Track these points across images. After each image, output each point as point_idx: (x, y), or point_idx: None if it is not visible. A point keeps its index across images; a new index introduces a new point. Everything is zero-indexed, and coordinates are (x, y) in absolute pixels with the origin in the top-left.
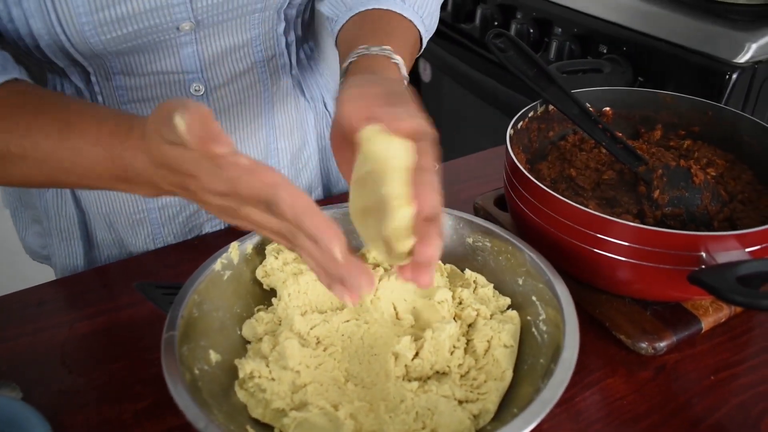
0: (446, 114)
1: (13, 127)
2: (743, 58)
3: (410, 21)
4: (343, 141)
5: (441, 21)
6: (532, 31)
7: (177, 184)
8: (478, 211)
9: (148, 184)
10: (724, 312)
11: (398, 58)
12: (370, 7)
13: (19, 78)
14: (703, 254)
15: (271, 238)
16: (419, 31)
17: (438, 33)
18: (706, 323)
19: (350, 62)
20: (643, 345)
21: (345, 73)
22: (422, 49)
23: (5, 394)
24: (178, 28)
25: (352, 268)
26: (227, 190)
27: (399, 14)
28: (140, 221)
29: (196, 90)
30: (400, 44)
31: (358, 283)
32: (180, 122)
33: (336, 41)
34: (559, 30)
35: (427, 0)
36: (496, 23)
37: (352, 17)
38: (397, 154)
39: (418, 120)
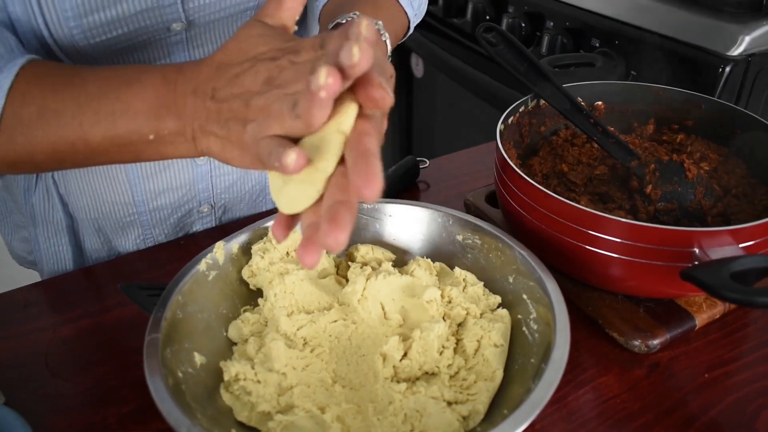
0: (439, 109)
1: (54, 84)
2: (736, 51)
3: (399, 3)
4: None
5: (432, 16)
6: (524, 25)
7: (237, 72)
8: (469, 208)
9: (194, 100)
10: (719, 308)
11: (386, 35)
12: None
13: (38, 58)
14: (697, 250)
15: (275, 110)
16: (407, 14)
17: (429, 28)
18: (700, 320)
19: (338, 23)
20: (636, 343)
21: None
22: (409, 33)
23: None
24: (168, 29)
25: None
26: (295, 47)
27: None
28: (130, 223)
29: None
30: (387, 21)
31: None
32: None
33: (319, 17)
34: (551, 24)
35: None
36: (487, 17)
37: None
38: (347, 119)
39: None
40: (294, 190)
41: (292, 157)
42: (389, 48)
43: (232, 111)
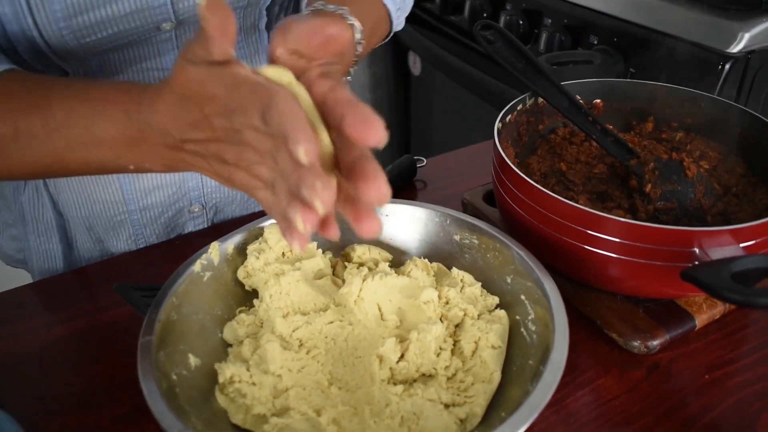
0: (437, 107)
1: (21, 105)
2: (736, 48)
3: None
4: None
5: (429, 13)
6: (521, 22)
7: (192, 122)
8: (466, 207)
9: (161, 138)
10: (719, 309)
11: (355, 21)
12: None
13: (14, 68)
14: (697, 250)
15: (258, 177)
16: (387, 8)
17: (427, 26)
18: (700, 320)
19: (314, 9)
20: (636, 344)
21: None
22: (393, 29)
23: None
24: (158, 28)
25: (312, 174)
26: (238, 104)
27: None
28: (121, 223)
29: None
30: (359, 11)
31: (315, 193)
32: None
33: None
34: (549, 21)
35: None
36: (484, 15)
37: None
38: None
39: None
40: None
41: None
42: (358, 37)
43: (203, 149)
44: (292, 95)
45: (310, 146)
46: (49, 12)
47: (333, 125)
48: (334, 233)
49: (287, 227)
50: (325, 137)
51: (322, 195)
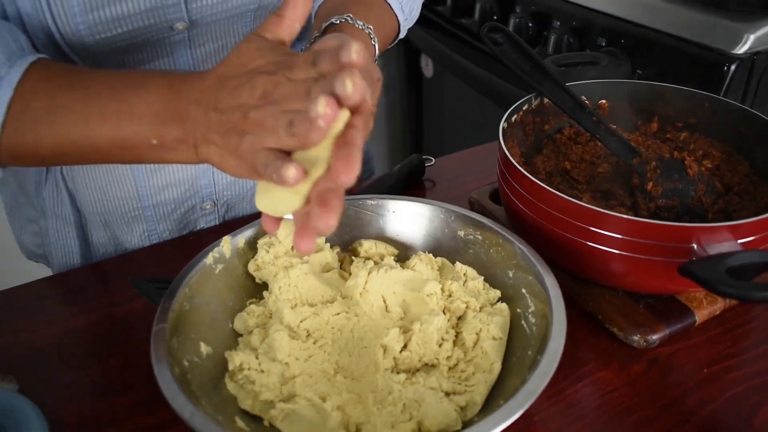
0: (449, 109)
1: (64, 83)
2: (741, 49)
3: (391, 8)
4: None
5: (440, 16)
6: (530, 24)
7: (236, 85)
8: (473, 205)
9: (199, 120)
10: (719, 305)
11: (375, 39)
12: None
13: (47, 57)
14: (695, 246)
15: (276, 129)
16: (398, 19)
17: (438, 28)
18: (700, 316)
19: (331, 23)
20: (636, 338)
21: (324, 31)
22: (399, 38)
23: (2, 386)
24: (171, 28)
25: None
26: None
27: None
28: (135, 218)
29: None
30: (377, 26)
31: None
32: None
33: (315, 14)
34: (558, 23)
35: None
36: (494, 17)
37: None
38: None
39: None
40: (279, 197)
41: (291, 171)
42: (377, 52)
43: (231, 122)
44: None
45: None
46: (67, 7)
47: None
48: (309, 245)
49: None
50: (318, 173)
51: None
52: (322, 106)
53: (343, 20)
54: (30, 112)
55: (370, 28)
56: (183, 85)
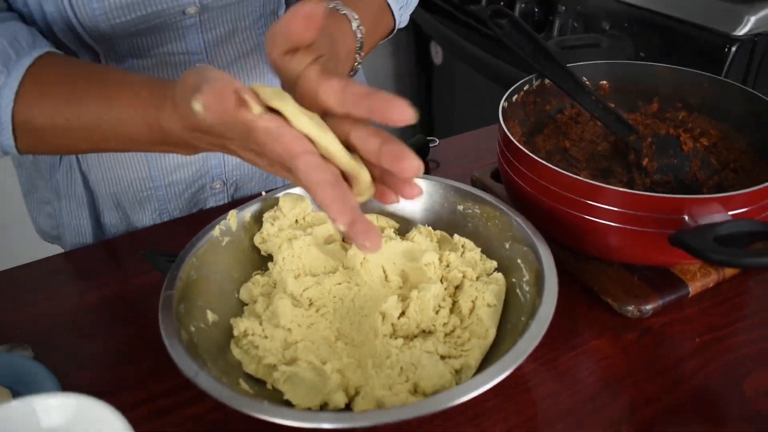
0: (459, 94)
1: (56, 100)
2: (742, 31)
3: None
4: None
5: (449, 2)
6: (536, 10)
7: (214, 144)
8: (475, 184)
9: (187, 146)
10: (712, 277)
11: (362, 30)
12: None
13: (51, 51)
14: (686, 217)
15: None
16: (390, 6)
17: (447, 15)
18: (694, 288)
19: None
20: (630, 308)
21: None
22: (396, 24)
23: (18, 353)
24: (183, 12)
25: (358, 224)
26: (258, 150)
27: None
28: (147, 198)
29: None
30: (365, 14)
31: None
32: (198, 107)
33: None
34: (563, 8)
35: None
36: (501, 3)
37: None
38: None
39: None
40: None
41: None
42: (361, 42)
43: (231, 148)
44: (313, 157)
45: (346, 218)
46: None
47: (362, 117)
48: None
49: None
50: (336, 146)
51: (374, 242)
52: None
53: (334, 7)
54: (35, 129)
55: (357, 18)
56: (158, 126)
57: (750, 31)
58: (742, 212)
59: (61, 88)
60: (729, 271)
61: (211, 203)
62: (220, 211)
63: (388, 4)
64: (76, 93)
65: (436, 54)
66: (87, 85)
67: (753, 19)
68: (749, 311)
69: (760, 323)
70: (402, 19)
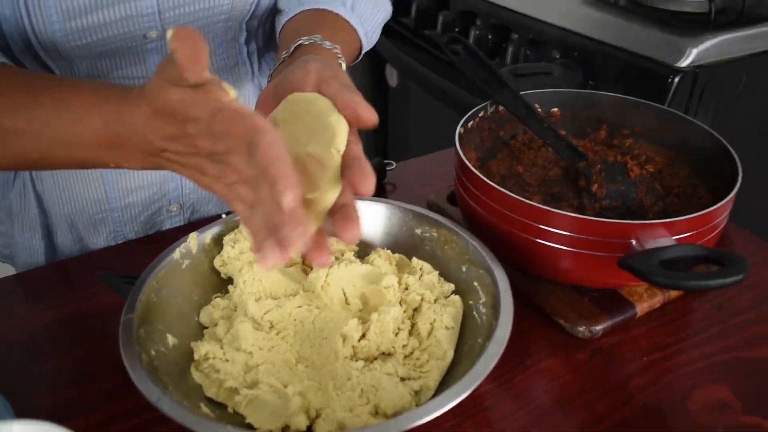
0: (413, 117)
1: (7, 103)
2: (685, 62)
3: (355, 30)
4: (271, 100)
5: (405, 27)
6: (490, 36)
7: (171, 135)
8: (431, 207)
9: (140, 145)
10: (658, 298)
11: (343, 59)
12: (320, 7)
13: (7, 62)
14: (633, 242)
15: (238, 195)
16: (361, 42)
17: (402, 39)
18: (641, 309)
19: (300, 44)
20: (581, 329)
21: (293, 52)
22: (358, 60)
23: None
24: (145, 36)
25: (293, 219)
26: (222, 131)
27: (347, 21)
28: (102, 220)
29: None
30: (343, 48)
31: (291, 235)
32: (171, 33)
33: (280, 32)
34: (516, 36)
35: (372, 14)
36: (456, 29)
37: (301, 12)
38: (341, 138)
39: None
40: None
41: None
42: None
43: (188, 164)
44: (278, 135)
45: (295, 194)
46: (46, 15)
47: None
48: (327, 259)
49: (259, 247)
50: (334, 195)
51: (298, 243)
52: (272, 261)
53: (311, 42)
54: None
55: (338, 49)
56: (116, 121)
57: (692, 62)
58: (686, 236)
59: (15, 92)
60: (674, 293)
61: (167, 225)
62: (177, 232)
63: (359, 40)
64: (29, 96)
65: (391, 76)
66: (41, 91)
67: (695, 51)
68: (692, 331)
69: (702, 342)
70: (365, 50)
